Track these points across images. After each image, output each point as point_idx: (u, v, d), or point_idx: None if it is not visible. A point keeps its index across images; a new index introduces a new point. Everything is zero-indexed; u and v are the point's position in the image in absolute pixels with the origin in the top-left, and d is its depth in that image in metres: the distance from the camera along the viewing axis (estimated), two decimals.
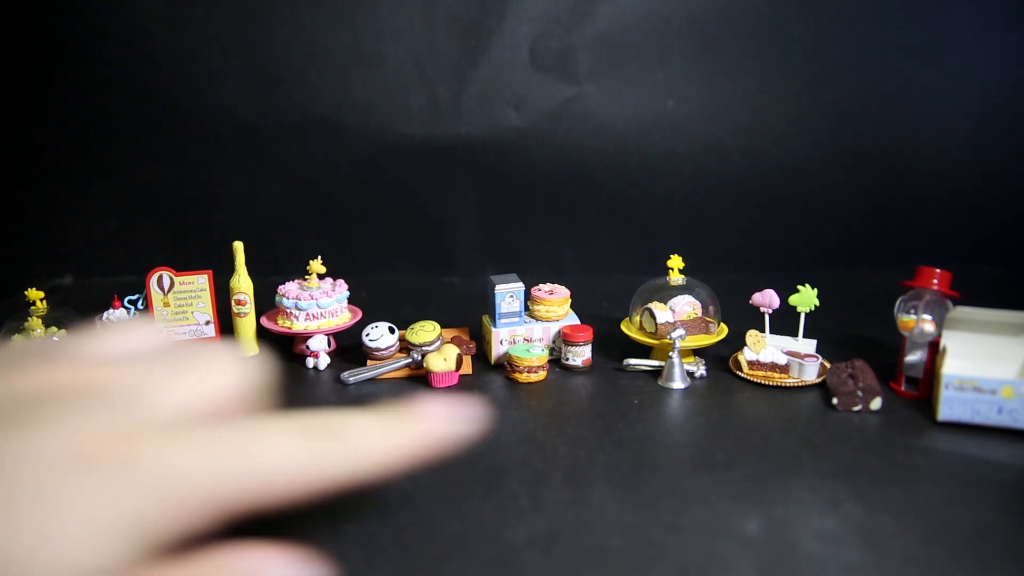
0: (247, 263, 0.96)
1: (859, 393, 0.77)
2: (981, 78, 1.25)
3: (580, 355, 0.88)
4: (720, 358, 0.91)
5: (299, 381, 0.88)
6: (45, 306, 0.93)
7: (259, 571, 0.38)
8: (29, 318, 0.91)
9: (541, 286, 0.95)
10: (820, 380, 0.83)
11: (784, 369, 0.84)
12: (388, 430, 0.37)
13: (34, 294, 0.92)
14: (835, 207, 1.30)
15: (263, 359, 0.40)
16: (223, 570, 0.37)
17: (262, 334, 0.97)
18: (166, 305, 0.94)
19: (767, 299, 0.89)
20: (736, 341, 0.90)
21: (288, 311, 0.93)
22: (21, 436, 0.31)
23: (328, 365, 0.92)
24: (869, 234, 1.30)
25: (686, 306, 0.90)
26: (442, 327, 0.92)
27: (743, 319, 0.93)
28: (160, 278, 0.94)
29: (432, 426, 0.38)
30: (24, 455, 0.30)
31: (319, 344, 0.91)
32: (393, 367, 0.88)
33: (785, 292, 0.89)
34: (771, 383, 0.83)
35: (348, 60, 1.22)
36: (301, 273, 0.97)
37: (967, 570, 0.51)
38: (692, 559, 0.52)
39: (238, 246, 0.95)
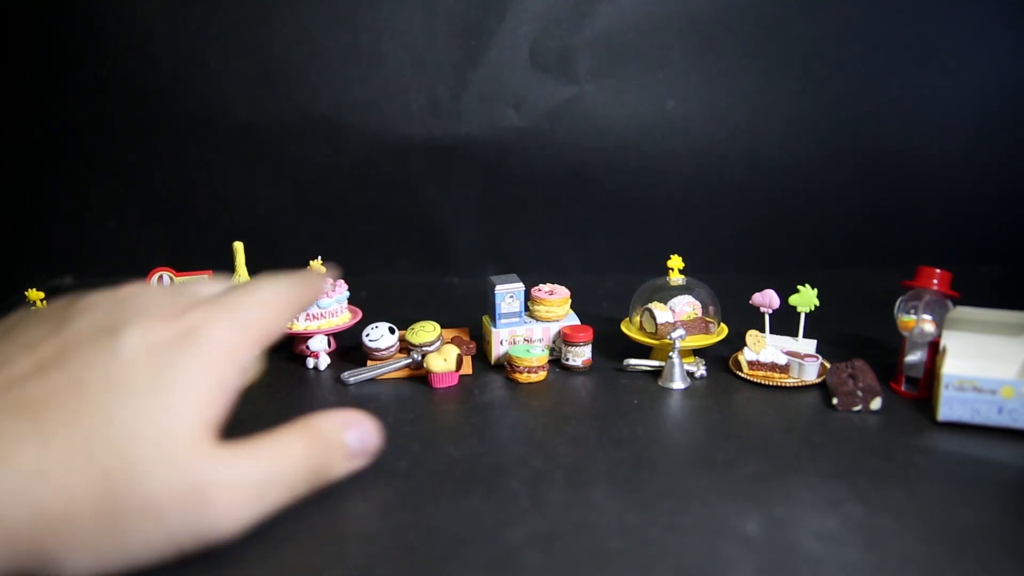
0: (247, 263, 0.96)
1: (859, 393, 0.77)
2: (981, 78, 1.25)
3: (580, 355, 0.88)
4: (720, 358, 0.91)
5: (299, 381, 0.88)
6: (45, 306, 0.93)
7: (346, 431, 0.49)
8: None
9: (541, 286, 0.95)
10: (820, 380, 0.83)
11: (784, 369, 0.84)
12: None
13: (34, 294, 0.92)
14: (835, 207, 1.30)
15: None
16: (307, 433, 0.45)
17: None
18: None
19: (767, 299, 0.89)
20: (736, 341, 0.90)
21: None
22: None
23: (328, 365, 0.92)
24: (869, 234, 1.30)
25: (686, 306, 0.90)
26: (442, 327, 0.92)
27: (743, 319, 0.93)
28: (160, 278, 0.94)
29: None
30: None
31: (319, 344, 0.91)
32: (393, 367, 0.88)
33: (785, 292, 0.89)
34: (771, 383, 0.83)
35: (348, 60, 1.22)
36: None
37: (967, 570, 0.51)
38: (692, 559, 0.52)
39: (238, 246, 0.95)
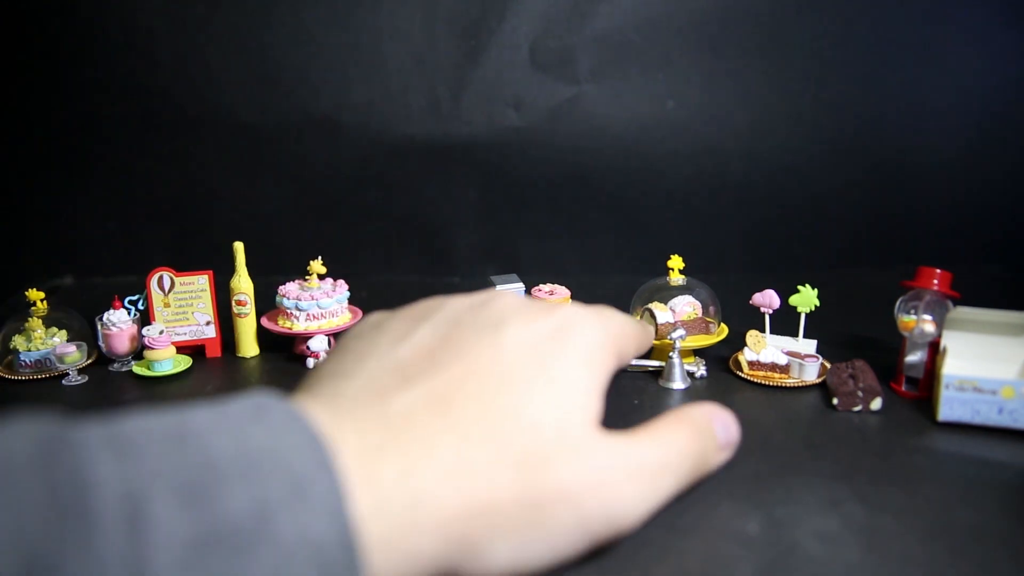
0: (247, 263, 0.96)
1: (859, 393, 0.77)
2: (982, 78, 1.25)
3: None
4: (720, 358, 0.91)
5: (300, 382, 0.88)
6: (45, 306, 0.93)
7: (716, 422, 0.50)
8: (29, 318, 0.91)
9: (541, 286, 0.95)
10: (820, 380, 0.83)
11: (784, 369, 0.84)
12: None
13: (34, 294, 0.92)
14: (835, 207, 1.30)
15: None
16: (689, 424, 0.47)
17: (262, 334, 0.97)
18: (166, 305, 0.94)
19: (767, 299, 0.89)
20: (736, 341, 0.90)
21: (288, 311, 0.93)
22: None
23: None
24: (869, 234, 1.30)
25: (686, 306, 0.90)
26: None
27: (743, 319, 0.93)
28: (160, 278, 0.94)
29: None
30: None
31: (320, 345, 0.91)
32: None
33: (785, 292, 0.89)
34: (771, 383, 0.83)
35: (348, 60, 1.22)
36: (301, 273, 0.97)
37: (967, 570, 0.51)
38: (692, 559, 0.52)
39: (238, 246, 0.95)
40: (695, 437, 0.46)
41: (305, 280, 0.96)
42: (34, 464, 0.27)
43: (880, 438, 0.71)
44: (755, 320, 0.91)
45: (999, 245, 1.29)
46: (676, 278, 0.93)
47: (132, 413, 0.32)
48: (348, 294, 0.97)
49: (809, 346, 0.89)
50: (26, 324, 0.91)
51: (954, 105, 1.26)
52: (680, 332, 0.84)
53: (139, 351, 0.91)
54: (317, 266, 0.96)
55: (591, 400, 0.41)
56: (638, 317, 0.92)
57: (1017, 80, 1.25)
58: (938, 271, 0.83)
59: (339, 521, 0.29)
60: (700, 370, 0.86)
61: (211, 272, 0.96)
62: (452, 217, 1.29)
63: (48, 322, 0.92)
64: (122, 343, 0.91)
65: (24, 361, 0.89)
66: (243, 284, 0.95)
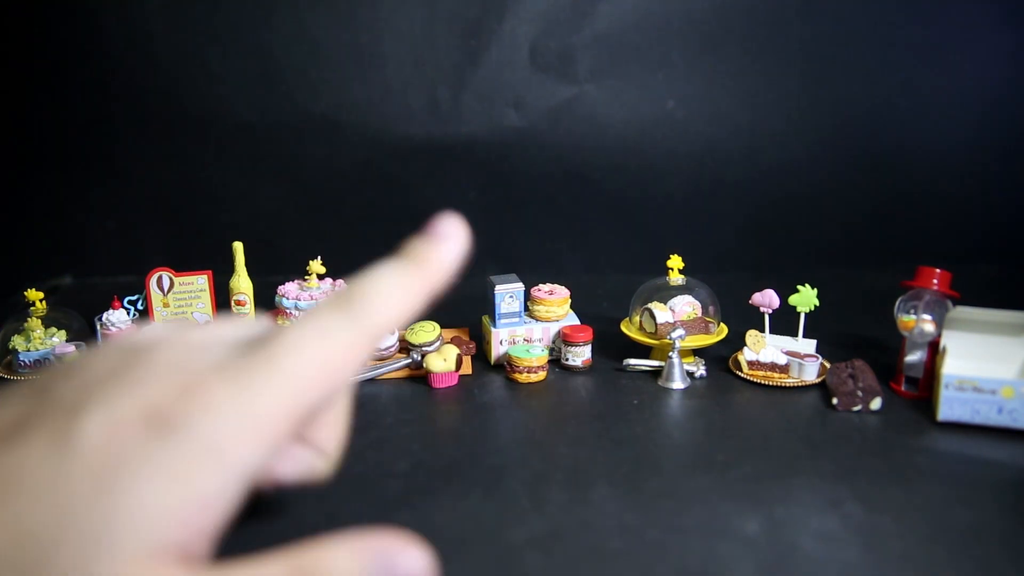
0: (247, 263, 0.96)
1: (859, 393, 0.77)
2: (981, 77, 1.25)
3: (580, 355, 0.88)
4: (720, 358, 0.91)
5: None
6: (45, 306, 0.93)
7: (358, 567, 0.33)
8: (29, 318, 0.91)
9: (541, 286, 0.95)
10: (820, 380, 0.83)
11: (784, 369, 0.84)
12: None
13: (34, 295, 0.92)
14: (835, 207, 1.30)
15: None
16: (303, 571, 0.33)
17: None
18: (166, 306, 0.94)
19: (767, 299, 0.89)
20: (736, 341, 0.90)
21: (288, 311, 0.93)
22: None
23: None
24: (869, 234, 1.30)
25: (686, 306, 0.90)
26: (442, 327, 0.92)
27: (743, 319, 0.93)
28: (160, 278, 0.94)
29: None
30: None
31: None
32: (393, 367, 0.88)
33: (785, 292, 0.89)
34: (771, 383, 0.83)
35: (348, 60, 1.22)
36: (301, 273, 0.97)
37: (967, 570, 0.51)
38: (692, 559, 0.52)
39: (238, 246, 0.95)
40: None
41: (304, 280, 0.96)
42: None
43: (880, 438, 0.71)
44: (755, 320, 0.91)
45: (998, 245, 1.29)
46: (676, 278, 0.93)
47: None
48: None
49: (809, 346, 0.89)
50: (25, 324, 0.90)
51: (953, 105, 1.26)
52: (680, 332, 0.84)
53: None
54: (316, 266, 0.96)
55: (170, 524, 0.30)
56: (638, 318, 0.92)
57: (1015, 80, 1.25)
58: (938, 271, 0.83)
59: None
60: (700, 370, 0.86)
61: (210, 272, 0.96)
62: None
63: (47, 322, 0.92)
64: None
65: (23, 361, 0.89)
66: (242, 284, 0.95)
